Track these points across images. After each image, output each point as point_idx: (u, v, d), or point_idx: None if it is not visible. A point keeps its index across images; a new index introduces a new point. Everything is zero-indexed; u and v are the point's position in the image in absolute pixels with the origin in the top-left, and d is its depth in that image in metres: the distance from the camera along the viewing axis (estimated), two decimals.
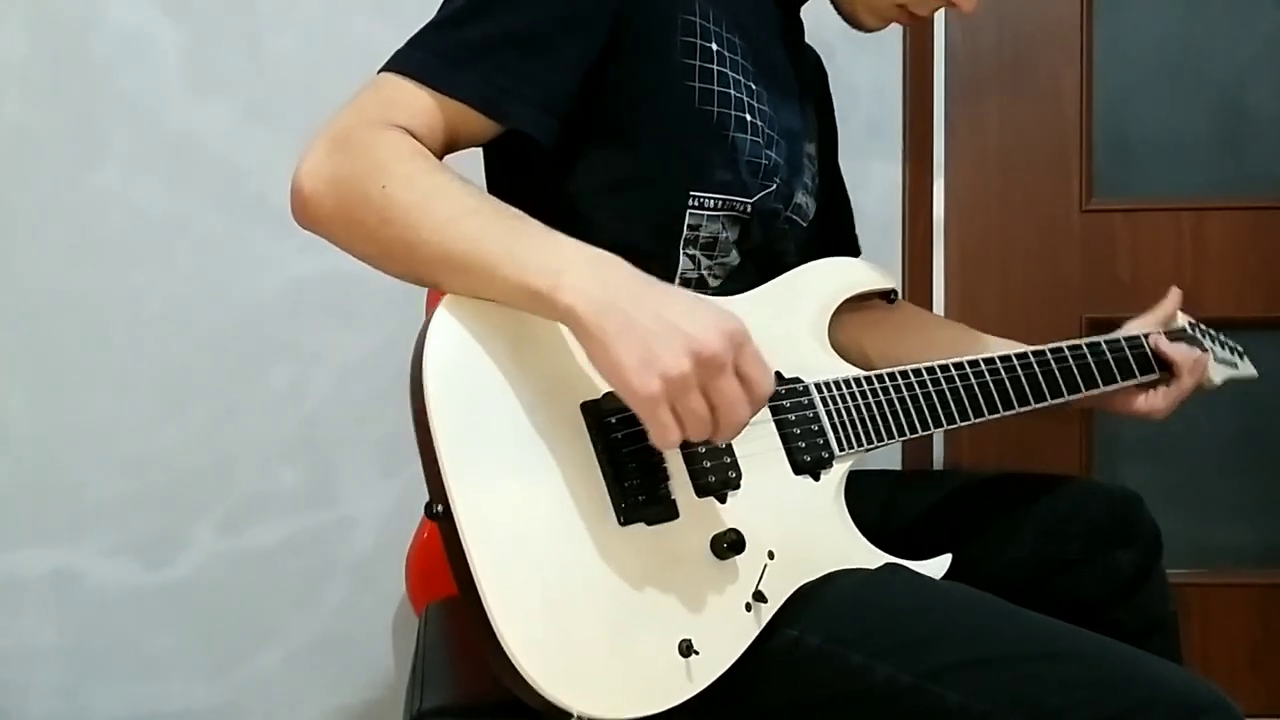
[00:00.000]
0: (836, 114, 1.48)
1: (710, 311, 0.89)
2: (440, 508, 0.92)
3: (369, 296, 1.82)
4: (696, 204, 1.14)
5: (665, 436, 0.88)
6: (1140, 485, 1.36)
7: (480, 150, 1.15)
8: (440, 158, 1.03)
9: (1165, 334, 1.34)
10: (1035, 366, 1.25)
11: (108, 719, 1.85)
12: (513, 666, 0.88)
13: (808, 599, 1.02)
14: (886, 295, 1.31)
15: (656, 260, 1.11)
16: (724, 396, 0.88)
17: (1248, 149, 1.97)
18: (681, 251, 1.15)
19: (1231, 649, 2.00)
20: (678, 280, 1.14)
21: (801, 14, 1.34)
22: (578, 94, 1.07)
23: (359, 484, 1.86)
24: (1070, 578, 1.28)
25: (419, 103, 1.01)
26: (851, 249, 1.48)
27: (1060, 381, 1.26)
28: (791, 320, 1.16)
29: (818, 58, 1.45)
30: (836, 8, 1.30)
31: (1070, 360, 1.27)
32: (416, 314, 1.75)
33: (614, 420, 0.96)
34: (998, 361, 1.23)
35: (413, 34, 1.06)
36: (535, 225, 0.94)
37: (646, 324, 0.87)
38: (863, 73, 1.89)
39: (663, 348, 0.86)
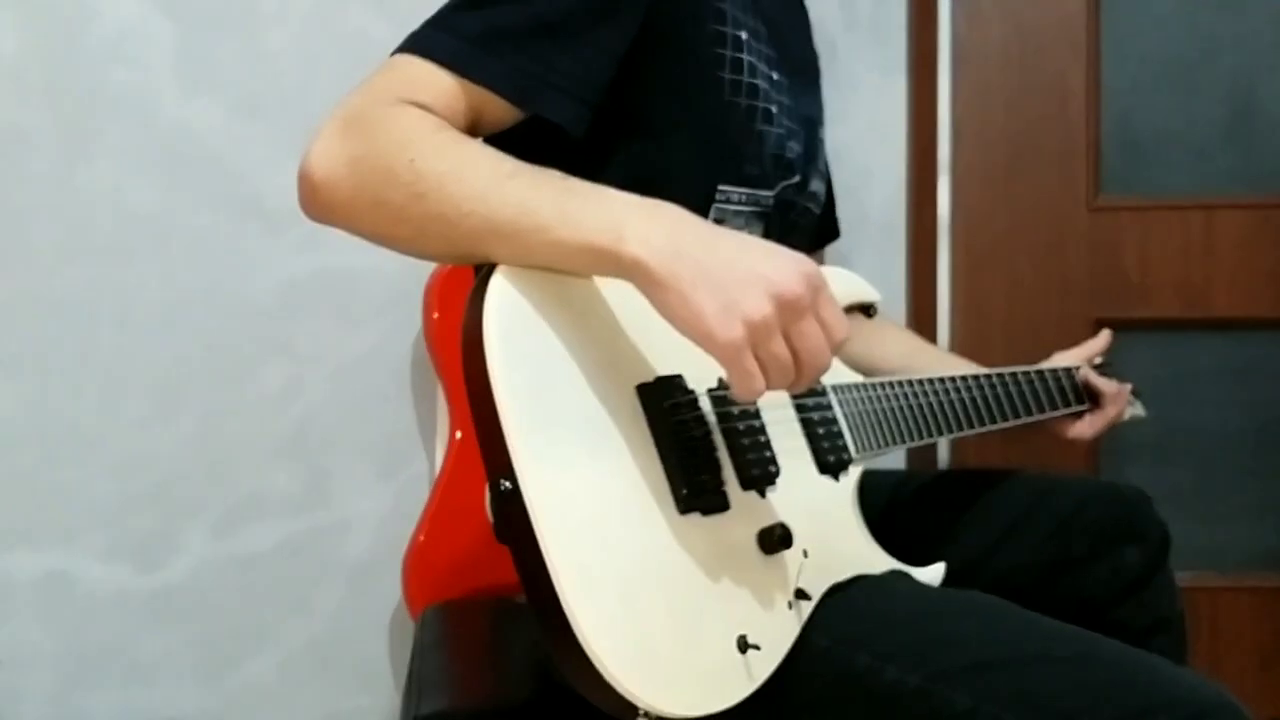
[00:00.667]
0: (841, 110, 1.48)
1: (786, 253, 0.86)
2: (508, 484, 0.85)
3: (364, 296, 1.80)
4: (723, 199, 1.13)
5: (750, 385, 0.84)
6: (1147, 487, 1.37)
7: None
8: None
9: (1093, 368, 1.48)
10: (998, 388, 1.32)
11: None
12: (585, 656, 0.82)
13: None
14: (867, 309, 1.30)
15: None
16: (806, 340, 0.85)
17: (1257, 145, 1.95)
18: None
19: (1241, 652, 1.99)
20: None
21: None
22: (610, 84, 1.04)
23: (354, 486, 1.84)
24: (1077, 576, 1.28)
25: (441, 85, 0.97)
26: (832, 231, 1.48)
27: (1017, 403, 1.34)
28: None
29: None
30: None
31: (1023, 385, 1.36)
32: (413, 314, 1.74)
33: (668, 406, 0.94)
34: (971, 380, 1.29)
35: (435, 14, 1.01)
36: (582, 182, 0.90)
37: (722, 269, 0.83)
38: (866, 69, 1.88)
39: (743, 292, 0.82)
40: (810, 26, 1.36)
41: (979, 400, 1.28)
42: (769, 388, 0.85)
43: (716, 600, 0.92)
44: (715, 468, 0.95)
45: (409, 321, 1.75)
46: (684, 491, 0.92)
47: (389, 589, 1.79)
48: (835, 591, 1.02)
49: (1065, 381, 1.42)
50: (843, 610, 1.00)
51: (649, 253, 0.84)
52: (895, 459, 1.90)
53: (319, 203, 0.95)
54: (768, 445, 1.01)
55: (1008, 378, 1.34)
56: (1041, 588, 1.26)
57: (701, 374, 0.97)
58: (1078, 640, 0.96)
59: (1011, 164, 1.94)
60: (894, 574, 1.08)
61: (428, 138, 0.92)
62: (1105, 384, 1.45)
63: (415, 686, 1.22)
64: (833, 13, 1.30)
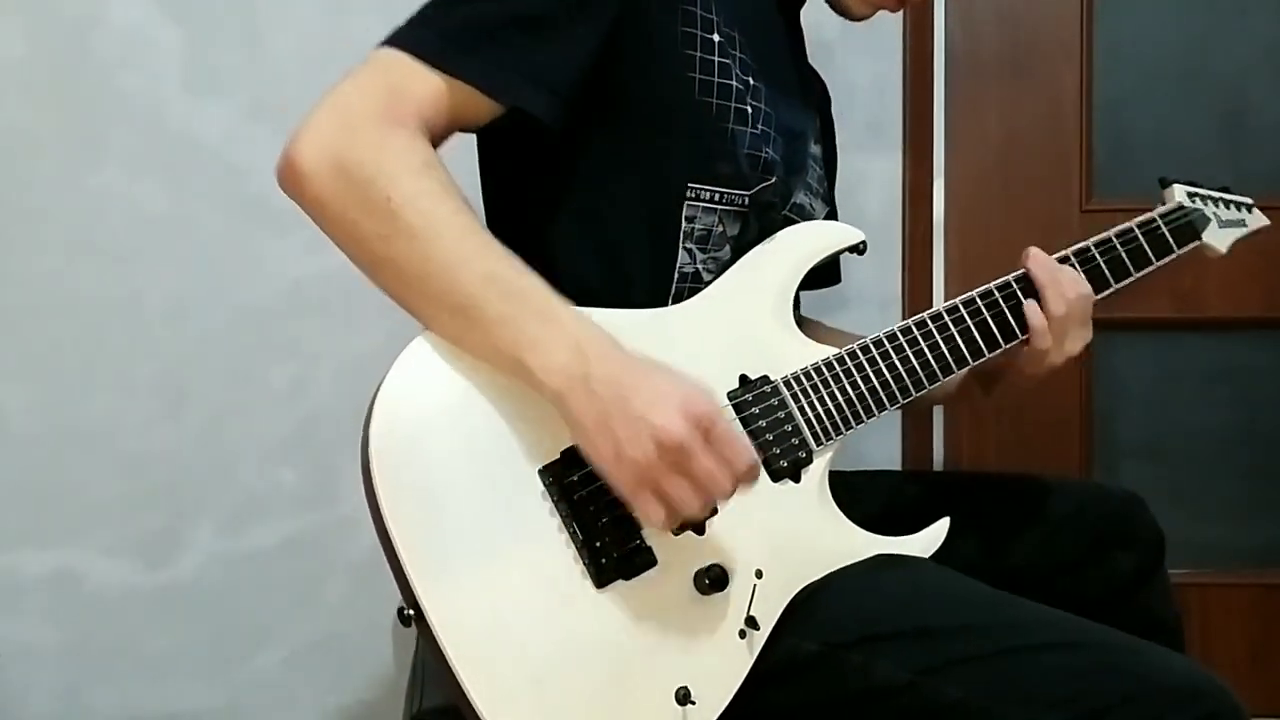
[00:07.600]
0: (838, 113, 1.47)
1: (676, 397, 0.90)
2: (411, 611, 0.92)
3: (369, 296, 1.80)
4: (694, 195, 1.13)
5: (650, 519, 0.92)
6: (1139, 485, 1.37)
7: (474, 140, 1.15)
8: (442, 139, 1.04)
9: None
10: (1002, 304, 1.19)
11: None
12: None
13: (801, 604, 1.02)
14: (856, 249, 1.22)
15: (655, 254, 1.11)
16: (699, 478, 0.90)
17: (1248, 148, 1.96)
18: (680, 246, 1.14)
19: (1231, 649, 2.00)
20: (675, 274, 1.13)
21: (802, 21, 1.33)
22: (585, 80, 1.06)
23: (360, 484, 1.85)
24: (1071, 580, 1.27)
25: (426, 87, 1.01)
26: (833, 276, 1.43)
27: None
28: (752, 311, 1.12)
29: (824, 85, 1.44)
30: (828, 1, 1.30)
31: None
32: None
33: (576, 479, 0.96)
34: (961, 308, 1.17)
35: (419, 11, 1.05)
36: (535, 287, 0.95)
37: (617, 416, 0.90)
38: (862, 72, 1.89)
39: (629, 441, 0.89)
40: (805, 52, 1.36)
41: (956, 336, 1.17)
42: (675, 519, 0.92)
43: (649, 661, 0.94)
44: (635, 526, 0.97)
45: (413, 321, 1.76)
46: (596, 565, 0.95)
47: (393, 586, 1.80)
48: (817, 592, 1.02)
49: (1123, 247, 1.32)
50: (827, 611, 1.01)
51: (566, 388, 0.91)
52: (890, 458, 1.91)
53: (297, 187, 0.99)
54: None
55: (998, 289, 1.19)
56: (1035, 592, 1.24)
57: None
58: (1068, 627, 0.98)
59: (1005, 167, 1.96)
60: (880, 562, 1.07)
61: (410, 180, 0.95)
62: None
63: (418, 682, 1.23)
64: (830, 18, 1.32)
